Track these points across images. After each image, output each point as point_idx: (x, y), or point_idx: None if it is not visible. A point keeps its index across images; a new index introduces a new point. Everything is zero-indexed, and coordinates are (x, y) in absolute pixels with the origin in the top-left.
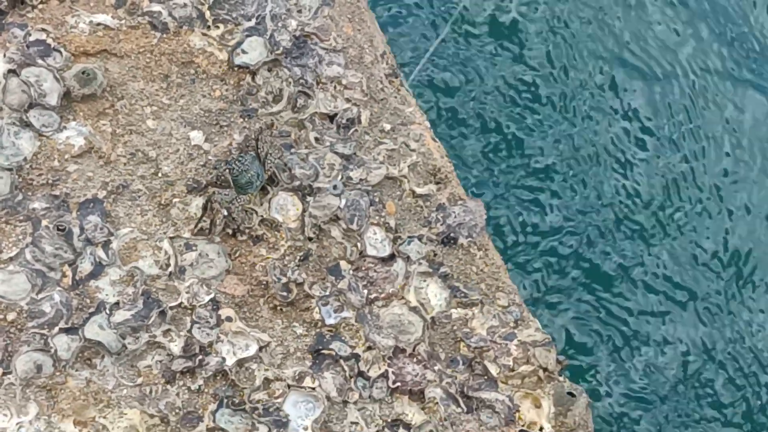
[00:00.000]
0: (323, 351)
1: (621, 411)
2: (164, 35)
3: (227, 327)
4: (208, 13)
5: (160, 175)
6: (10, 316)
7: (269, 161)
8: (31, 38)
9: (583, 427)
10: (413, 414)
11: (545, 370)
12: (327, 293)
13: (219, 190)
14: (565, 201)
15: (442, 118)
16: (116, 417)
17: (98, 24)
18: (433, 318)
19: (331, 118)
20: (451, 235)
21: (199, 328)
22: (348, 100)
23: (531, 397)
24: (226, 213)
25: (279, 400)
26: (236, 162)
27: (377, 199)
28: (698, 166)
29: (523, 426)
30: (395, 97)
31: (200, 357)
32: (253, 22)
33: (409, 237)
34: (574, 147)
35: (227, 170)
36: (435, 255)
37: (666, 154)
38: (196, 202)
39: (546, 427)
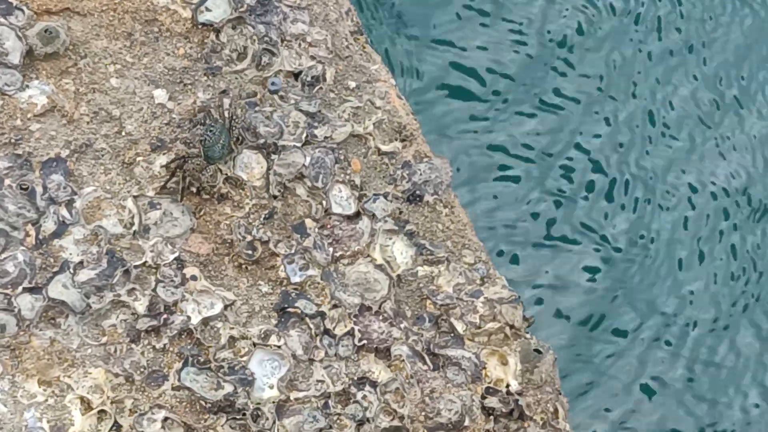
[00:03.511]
0: (289, 309)
1: None
2: None
3: (192, 286)
4: None
5: (123, 133)
6: None
7: (235, 126)
8: None
9: (550, 383)
10: (379, 372)
11: (512, 327)
12: (292, 251)
13: (192, 159)
14: None
15: None
16: (81, 376)
17: None
18: (399, 276)
19: (296, 75)
20: (417, 192)
21: (163, 287)
22: (313, 58)
23: (497, 354)
24: (197, 184)
25: (244, 358)
26: (208, 133)
27: (342, 157)
28: None
29: (489, 383)
30: (360, 54)
31: (165, 316)
32: None
33: (374, 195)
34: None
35: (200, 142)
36: (400, 213)
37: None
38: (160, 161)
39: (513, 384)
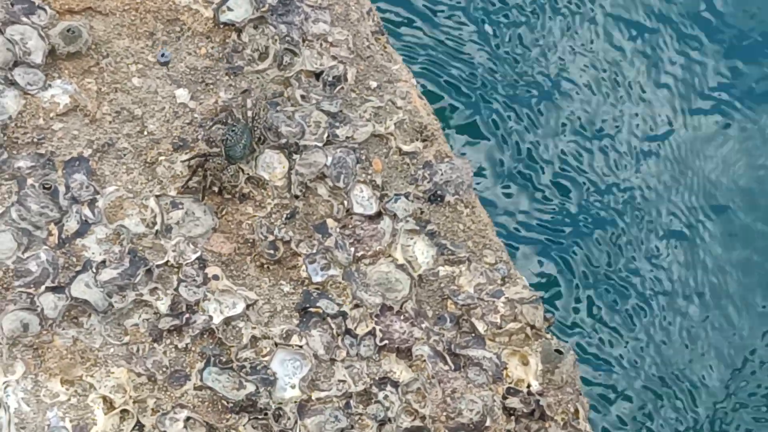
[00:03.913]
0: (310, 309)
1: None
2: None
3: (214, 285)
4: None
5: (145, 133)
6: None
7: (257, 126)
8: None
9: (571, 384)
10: (401, 372)
11: (532, 327)
12: (314, 251)
13: (212, 157)
14: None
15: None
16: (103, 376)
17: None
18: (420, 275)
19: (317, 75)
20: (438, 192)
21: (185, 286)
22: (334, 58)
23: (518, 354)
24: (219, 183)
25: (266, 358)
26: (230, 132)
27: (364, 157)
28: None
29: (510, 383)
30: (381, 54)
31: (187, 315)
32: None
33: (395, 194)
34: None
35: (222, 141)
36: (422, 212)
37: None
38: (182, 160)
39: (533, 384)
